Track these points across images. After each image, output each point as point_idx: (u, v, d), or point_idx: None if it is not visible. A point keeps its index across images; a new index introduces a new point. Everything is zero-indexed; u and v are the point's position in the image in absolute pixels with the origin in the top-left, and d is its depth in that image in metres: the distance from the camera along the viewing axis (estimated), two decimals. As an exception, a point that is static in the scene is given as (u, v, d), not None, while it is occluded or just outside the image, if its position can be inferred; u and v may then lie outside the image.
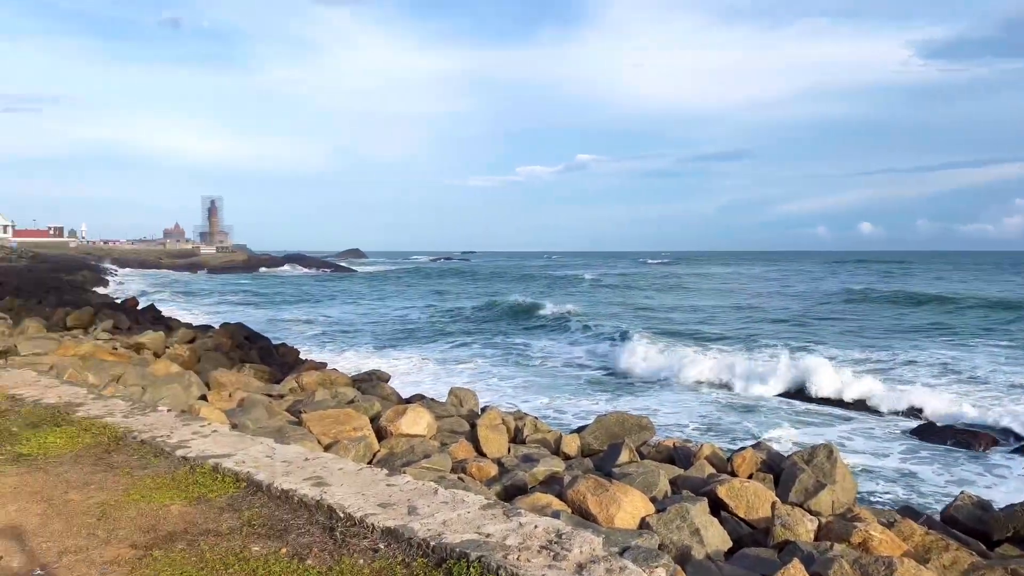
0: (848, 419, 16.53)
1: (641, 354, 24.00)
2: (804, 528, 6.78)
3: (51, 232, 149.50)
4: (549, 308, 40.01)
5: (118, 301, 36.36)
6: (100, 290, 59.63)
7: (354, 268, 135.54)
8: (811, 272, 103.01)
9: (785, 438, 14.40)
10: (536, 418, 11.68)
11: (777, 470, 9.01)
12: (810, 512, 7.60)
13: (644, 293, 61.83)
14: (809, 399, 18.62)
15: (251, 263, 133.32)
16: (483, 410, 12.06)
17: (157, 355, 16.98)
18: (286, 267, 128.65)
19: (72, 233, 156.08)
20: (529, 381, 21.30)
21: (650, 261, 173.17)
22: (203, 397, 11.76)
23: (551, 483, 8.15)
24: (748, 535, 7.08)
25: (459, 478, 8.06)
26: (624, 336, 28.03)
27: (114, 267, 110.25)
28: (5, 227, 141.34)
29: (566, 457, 10.02)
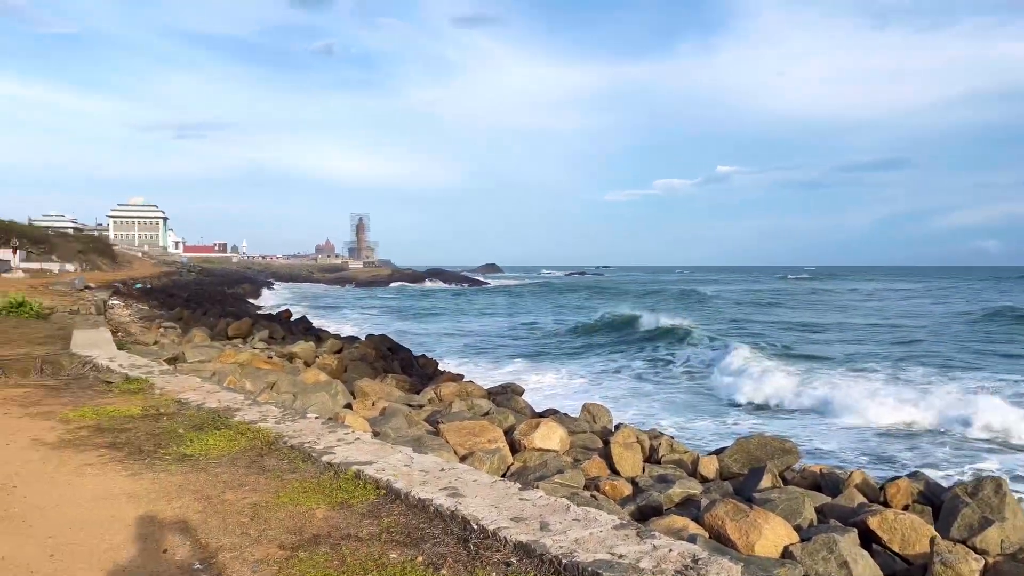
0: (1019, 449, 15.12)
1: (778, 376, 22.92)
2: (968, 567, 6.29)
3: (216, 248, 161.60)
4: (670, 323, 38.72)
5: (273, 312, 38.59)
6: (257, 302, 63.93)
7: (490, 282, 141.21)
8: (974, 288, 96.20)
9: (944, 469, 13.37)
10: (672, 437, 11.40)
11: (936, 503, 8.40)
12: (975, 550, 7.03)
13: (781, 309, 59.05)
14: (969, 428, 17.16)
15: (395, 277, 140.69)
16: (617, 427, 11.86)
17: (307, 364, 17.90)
18: (427, 282, 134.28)
19: (234, 249, 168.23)
20: (661, 398, 20.81)
21: (790, 276, 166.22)
22: (348, 405, 12.26)
23: (687, 506, 7.93)
24: (903, 571, 6.64)
25: (592, 495, 7.94)
26: (757, 357, 26.89)
27: (271, 280, 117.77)
28: (176, 243, 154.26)
29: (703, 479, 9.75)
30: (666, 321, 39.49)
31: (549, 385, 22.85)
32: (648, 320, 40.68)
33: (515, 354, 31.56)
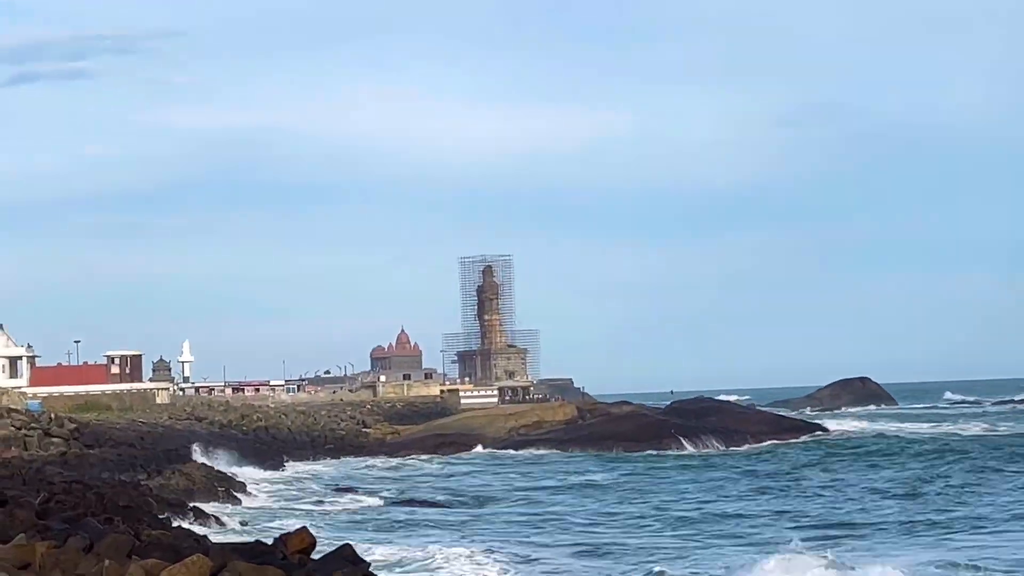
0: None
1: None
2: None
3: (115, 369, 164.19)
4: None
5: (267, 540, 38.85)
6: (229, 511, 66.70)
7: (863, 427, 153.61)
8: None
9: None
10: None
11: None
12: None
13: None
14: None
15: (589, 431, 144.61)
16: None
17: None
18: (685, 442, 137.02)
19: (162, 368, 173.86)
20: None
21: None
22: None
23: None
24: None
25: None
26: None
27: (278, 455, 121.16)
28: (13, 362, 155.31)
29: None
30: None
31: None
32: None
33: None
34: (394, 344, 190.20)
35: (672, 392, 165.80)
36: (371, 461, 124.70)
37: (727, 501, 75.93)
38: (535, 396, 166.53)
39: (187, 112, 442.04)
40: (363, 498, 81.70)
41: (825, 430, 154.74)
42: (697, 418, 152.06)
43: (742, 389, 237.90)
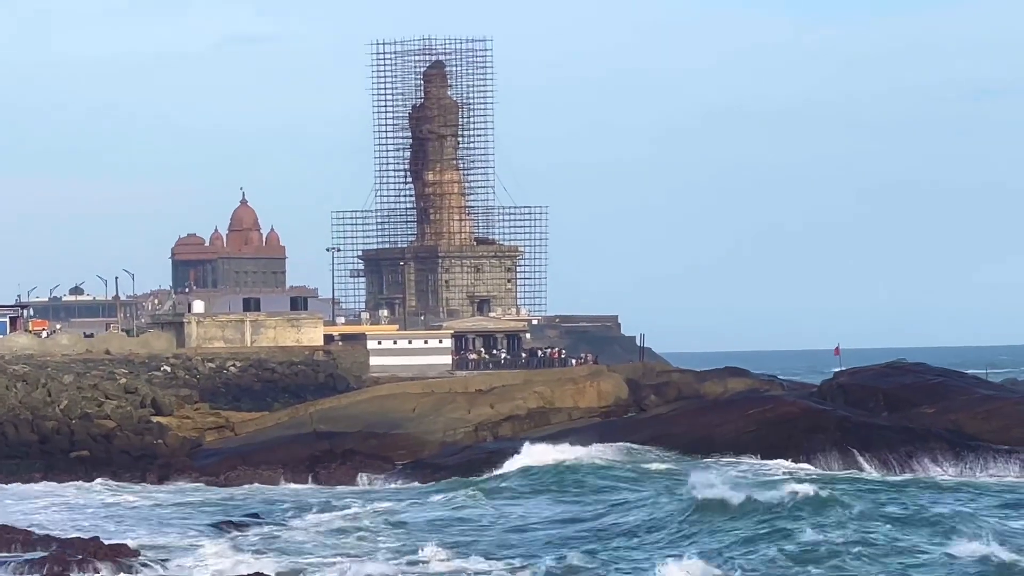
0: None
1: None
2: None
3: None
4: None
5: None
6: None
7: None
8: None
9: None
10: None
11: None
12: None
13: None
14: None
15: (655, 431, 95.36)
16: None
17: None
18: (864, 460, 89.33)
19: None
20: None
21: None
22: None
23: None
24: None
25: None
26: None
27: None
28: None
29: None
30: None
31: None
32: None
33: None
34: (224, 232, 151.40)
35: (839, 354, 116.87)
36: (167, 493, 69.94)
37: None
38: (537, 351, 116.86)
39: None
40: None
41: None
42: (895, 406, 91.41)
43: (965, 348, 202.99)
